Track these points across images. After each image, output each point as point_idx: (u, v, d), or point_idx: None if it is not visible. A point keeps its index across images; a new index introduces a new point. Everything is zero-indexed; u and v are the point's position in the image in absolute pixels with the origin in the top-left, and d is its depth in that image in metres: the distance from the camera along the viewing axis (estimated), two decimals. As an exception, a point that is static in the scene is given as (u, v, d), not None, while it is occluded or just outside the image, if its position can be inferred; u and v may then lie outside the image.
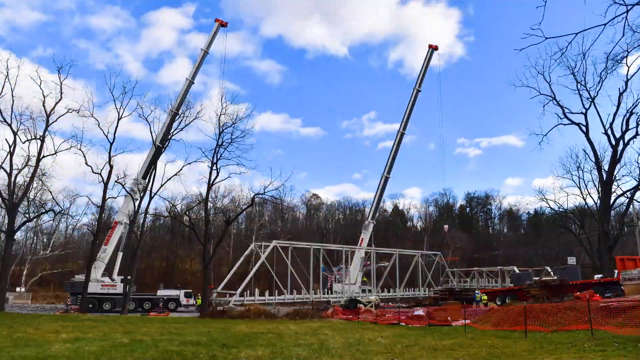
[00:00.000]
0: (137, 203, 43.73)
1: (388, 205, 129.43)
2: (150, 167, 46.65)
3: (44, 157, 42.56)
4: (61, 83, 43.45)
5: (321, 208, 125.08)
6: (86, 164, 42.53)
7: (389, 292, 64.60)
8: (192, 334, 22.43)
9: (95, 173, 42.75)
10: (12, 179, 41.52)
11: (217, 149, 41.49)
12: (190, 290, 53.12)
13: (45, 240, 79.78)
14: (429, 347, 18.02)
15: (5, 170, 41.44)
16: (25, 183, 42.41)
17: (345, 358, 15.82)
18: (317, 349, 17.65)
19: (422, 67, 76.78)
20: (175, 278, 74.14)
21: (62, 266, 76.59)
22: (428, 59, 76.62)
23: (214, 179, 41.05)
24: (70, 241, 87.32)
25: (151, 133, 43.29)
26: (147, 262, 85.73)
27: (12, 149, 41.54)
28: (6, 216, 45.90)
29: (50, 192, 44.24)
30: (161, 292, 50.63)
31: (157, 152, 45.97)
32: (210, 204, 48.52)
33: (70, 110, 43.60)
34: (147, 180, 45.75)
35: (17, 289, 60.44)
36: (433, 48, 77.20)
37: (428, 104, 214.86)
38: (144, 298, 48.81)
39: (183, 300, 50.78)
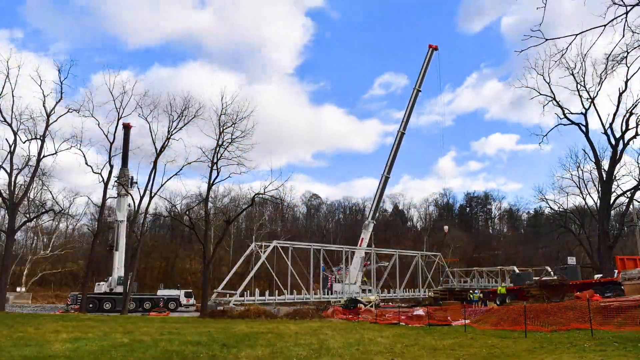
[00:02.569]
0: (135, 200, 43.67)
1: (388, 205, 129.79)
2: (126, 152, 46.68)
3: (44, 157, 42.61)
4: (61, 83, 43.54)
5: (321, 208, 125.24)
6: (86, 164, 42.58)
7: (388, 292, 64.68)
8: (192, 334, 22.43)
9: (95, 173, 42.82)
10: (13, 178, 41.53)
11: (217, 149, 41.52)
12: (191, 290, 53.13)
13: (45, 240, 79.76)
14: (429, 347, 18.03)
15: (5, 170, 41.46)
16: (26, 183, 42.40)
17: (345, 358, 15.84)
18: (317, 348, 17.67)
19: (422, 68, 76.85)
20: (175, 278, 74.11)
21: (62, 266, 76.60)
22: (428, 59, 76.66)
23: (214, 179, 41.12)
24: (70, 241, 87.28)
25: (151, 132, 43.28)
26: (147, 262, 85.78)
27: (12, 148, 41.55)
28: (6, 216, 45.92)
29: (50, 192, 44.34)
30: (161, 292, 50.66)
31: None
32: (210, 204, 48.39)
33: (70, 110, 43.62)
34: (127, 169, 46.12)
35: (18, 289, 60.43)
36: (433, 48, 77.18)
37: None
38: (144, 298, 48.86)
39: (183, 300, 50.79)
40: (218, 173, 40.89)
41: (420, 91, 75.48)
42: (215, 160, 40.75)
